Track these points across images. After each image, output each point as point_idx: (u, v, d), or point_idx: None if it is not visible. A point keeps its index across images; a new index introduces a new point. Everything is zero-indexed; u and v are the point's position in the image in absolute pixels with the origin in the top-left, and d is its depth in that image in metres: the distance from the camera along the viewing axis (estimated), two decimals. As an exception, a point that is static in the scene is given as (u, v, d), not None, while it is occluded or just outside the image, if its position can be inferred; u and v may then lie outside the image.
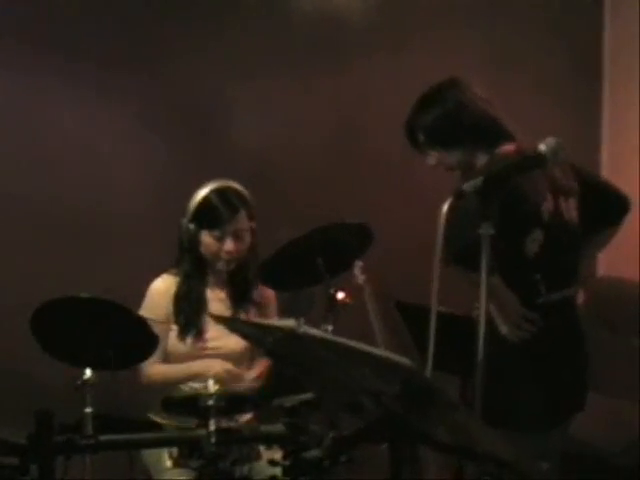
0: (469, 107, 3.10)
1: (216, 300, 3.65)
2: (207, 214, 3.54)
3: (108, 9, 4.14)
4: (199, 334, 3.56)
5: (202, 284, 3.62)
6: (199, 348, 3.56)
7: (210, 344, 3.57)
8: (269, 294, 3.72)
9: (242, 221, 3.55)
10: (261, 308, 3.70)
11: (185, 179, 3.88)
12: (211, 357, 3.55)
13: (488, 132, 3.09)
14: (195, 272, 3.60)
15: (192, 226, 3.55)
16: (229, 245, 3.54)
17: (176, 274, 3.62)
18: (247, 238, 3.58)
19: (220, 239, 3.53)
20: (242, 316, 3.62)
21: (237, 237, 3.55)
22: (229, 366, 3.51)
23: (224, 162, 4.15)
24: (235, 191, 3.57)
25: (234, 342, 3.53)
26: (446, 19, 4.55)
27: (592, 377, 3.14)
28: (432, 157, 3.18)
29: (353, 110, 4.43)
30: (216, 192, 3.55)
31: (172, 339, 3.58)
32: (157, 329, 3.46)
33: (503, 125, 3.11)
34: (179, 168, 4.18)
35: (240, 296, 3.66)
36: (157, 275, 3.65)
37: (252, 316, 3.65)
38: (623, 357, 4.16)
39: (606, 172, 4.75)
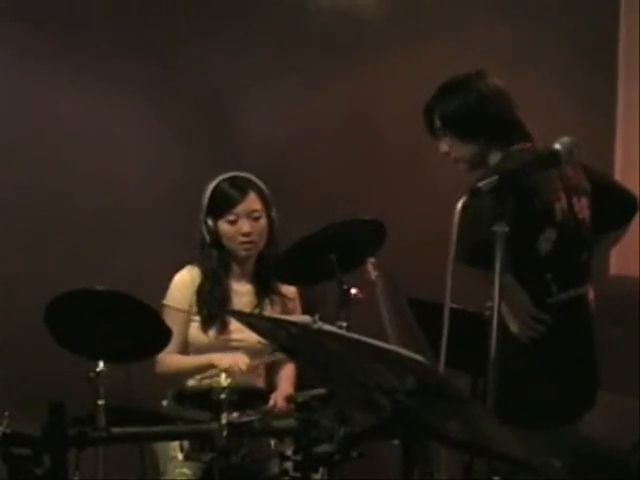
0: (492, 102, 3.04)
1: (241, 293, 3.67)
2: (218, 201, 3.60)
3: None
4: (223, 327, 3.58)
5: (226, 278, 3.64)
6: (222, 340, 3.58)
7: (233, 336, 3.58)
8: (292, 288, 3.74)
9: (253, 202, 3.59)
10: (286, 302, 3.72)
11: (197, 173, 3.90)
12: (234, 350, 3.55)
13: (507, 130, 3.04)
14: (219, 266, 3.62)
15: (209, 220, 3.59)
16: (245, 227, 3.57)
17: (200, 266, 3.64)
18: (262, 220, 3.61)
19: (235, 222, 3.57)
20: (267, 309, 3.65)
21: (251, 218, 3.59)
22: (247, 360, 3.46)
23: (237, 156, 4.16)
24: (244, 177, 3.63)
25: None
26: (461, 15, 4.54)
27: (603, 375, 3.14)
28: (445, 144, 3.13)
29: (368, 105, 4.42)
30: (225, 180, 3.62)
31: (194, 330, 3.60)
32: (178, 319, 3.49)
33: (523, 125, 3.07)
34: (192, 162, 4.18)
35: (265, 289, 3.68)
36: (170, 267, 3.67)
37: (277, 309, 3.68)
38: (634, 356, 4.16)
39: (619, 170, 4.75)
